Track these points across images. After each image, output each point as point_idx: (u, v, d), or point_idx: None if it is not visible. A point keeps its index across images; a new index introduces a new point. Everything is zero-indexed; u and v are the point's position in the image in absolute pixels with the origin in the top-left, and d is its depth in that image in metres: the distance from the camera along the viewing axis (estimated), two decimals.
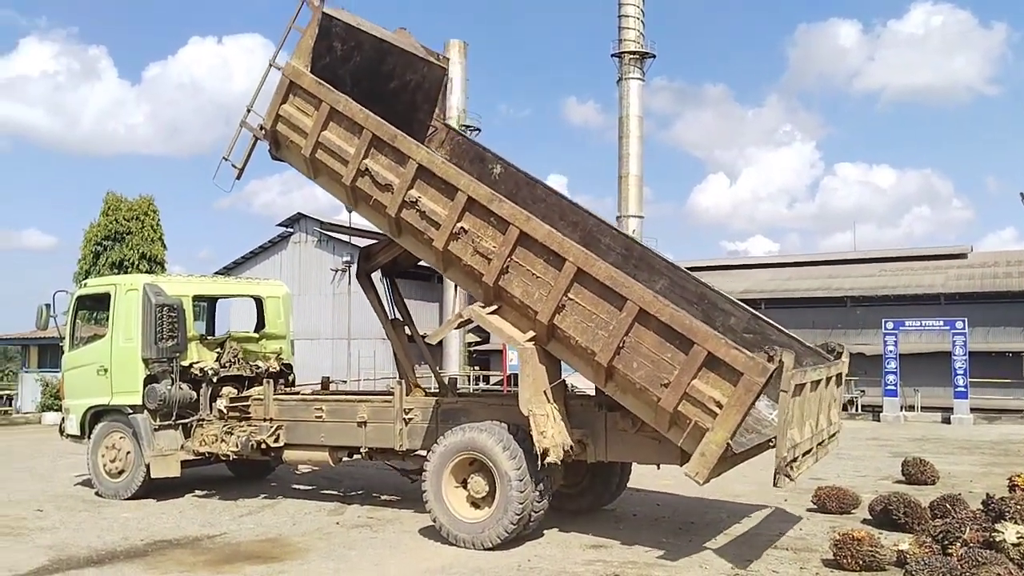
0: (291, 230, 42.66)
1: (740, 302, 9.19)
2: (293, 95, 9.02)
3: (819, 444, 7.92)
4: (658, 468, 8.90)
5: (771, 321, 8.93)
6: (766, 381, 6.56)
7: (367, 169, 8.57)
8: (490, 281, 7.94)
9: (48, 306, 11.47)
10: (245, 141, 9.66)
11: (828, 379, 8.07)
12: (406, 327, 10.41)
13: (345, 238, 39.18)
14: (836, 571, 6.94)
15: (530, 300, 7.74)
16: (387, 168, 8.49)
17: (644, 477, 10.34)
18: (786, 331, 8.75)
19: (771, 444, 7.98)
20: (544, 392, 7.77)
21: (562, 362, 8.03)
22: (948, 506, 8.35)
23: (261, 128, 9.35)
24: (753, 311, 9.06)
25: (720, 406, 6.70)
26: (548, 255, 7.66)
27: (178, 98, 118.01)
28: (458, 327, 8.32)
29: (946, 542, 6.90)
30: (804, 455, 7.42)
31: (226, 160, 9.68)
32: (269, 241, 41.20)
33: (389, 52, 9.99)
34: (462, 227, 8.07)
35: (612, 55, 43.54)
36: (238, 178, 9.75)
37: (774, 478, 6.70)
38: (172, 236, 28.94)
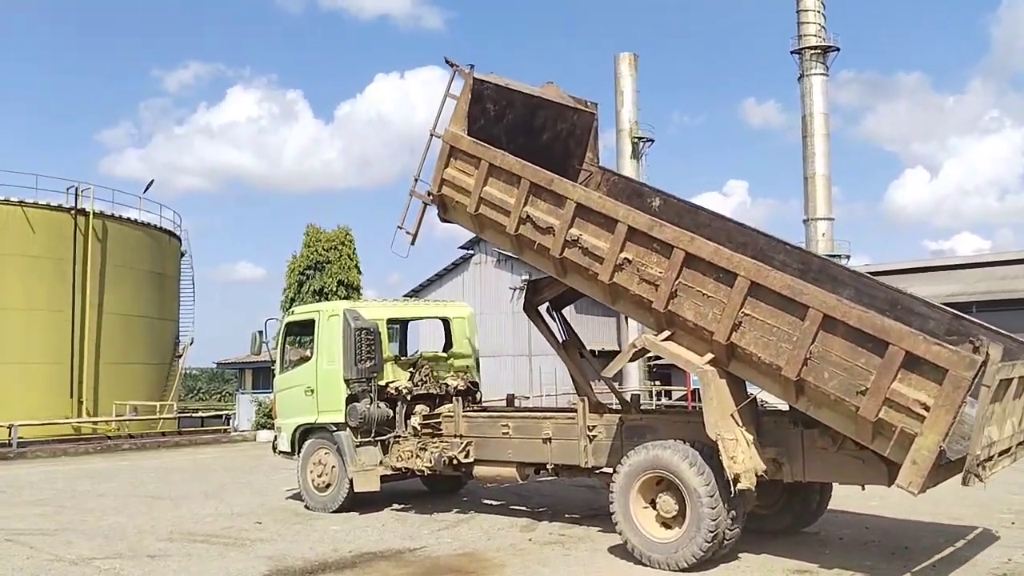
0: (471, 252, 44.06)
1: (941, 305, 8.49)
2: (454, 159, 9.57)
3: (1019, 444, 7.30)
4: (863, 489, 8.33)
5: (976, 320, 8.19)
6: (975, 376, 6.05)
7: (528, 216, 8.87)
8: (660, 307, 7.85)
9: (260, 333, 12.50)
10: (416, 208, 10.28)
11: None
12: (579, 350, 10.57)
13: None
14: None
15: (704, 321, 7.56)
16: (547, 212, 8.74)
17: (849, 498, 9.71)
18: (993, 328, 7.97)
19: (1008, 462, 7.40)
20: (732, 415, 7.49)
21: (747, 381, 7.72)
22: None
23: (429, 194, 9.93)
24: (955, 312, 8.35)
25: (927, 408, 6.24)
26: (717, 272, 7.51)
27: (367, 133, 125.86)
28: (633, 359, 8.27)
29: None
30: (1001, 455, 6.88)
31: (400, 228, 10.36)
32: (452, 263, 42.76)
33: (539, 106, 10.50)
34: (625, 258, 8.09)
35: (792, 52, 41.88)
36: (412, 243, 10.39)
37: (964, 477, 6.19)
38: (365, 263, 30.68)
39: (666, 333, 7.96)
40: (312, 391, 11.49)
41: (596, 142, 11.22)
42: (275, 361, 12.48)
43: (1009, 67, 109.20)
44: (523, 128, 10.33)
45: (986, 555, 7.95)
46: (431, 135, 9.83)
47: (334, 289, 29.28)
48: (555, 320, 10.67)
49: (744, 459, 7.28)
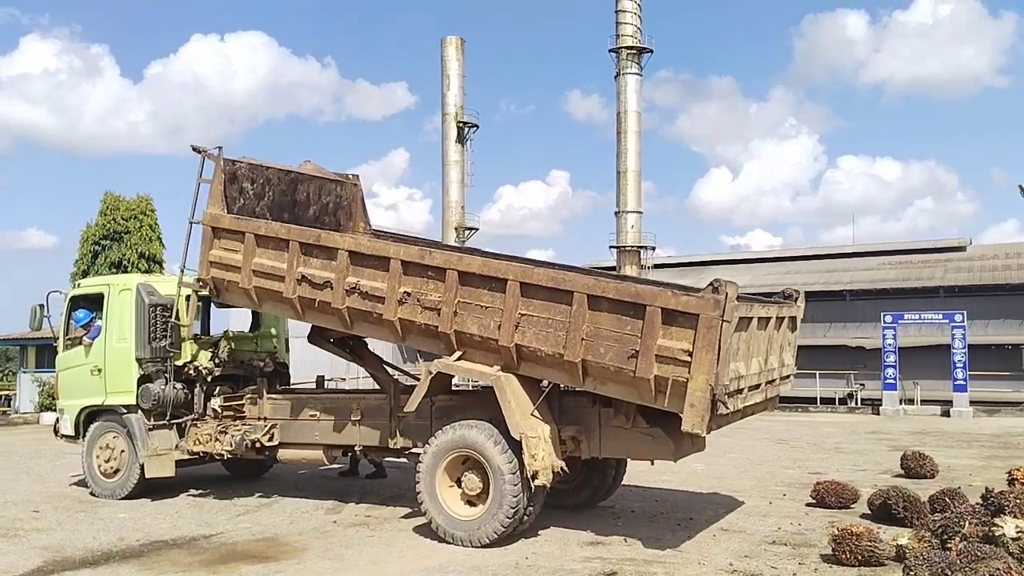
0: None
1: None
2: (218, 239, 9.62)
3: (769, 383, 8.19)
4: (652, 464, 8.86)
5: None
6: (722, 314, 6.71)
7: (303, 276, 8.95)
8: (447, 330, 8.11)
9: (42, 306, 11.43)
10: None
11: (780, 319, 8.37)
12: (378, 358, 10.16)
13: None
14: (835, 567, 6.89)
15: (488, 332, 7.90)
16: (321, 268, 8.86)
17: (643, 474, 10.31)
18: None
19: (769, 405, 8.61)
20: (532, 414, 7.81)
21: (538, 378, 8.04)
22: (947, 500, 8.30)
23: (198, 280, 9.86)
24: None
25: (691, 354, 6.84)
26: (489, 283, 7.90)
27: (180, 97, 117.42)
28: (429, 388, 8.39)
29: (945, 537, 6.84)
30: (752, 391, 7.69)
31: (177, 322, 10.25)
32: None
33: (299, 181, 10.76)
34: (405, 291, 8.32)
35: (610, 50, 43.52)
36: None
37: (713, 403, 6.77)
38: (171, 235, 28.75)
39: (457, 353, 8.19)
40: (100, 371, 10.65)
41: (365, 212, 11.68)
42: (58, 338, 11.46)
43: (808, 78, 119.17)
44: (287, 204, 10.49)
45: (759, 524, 8.69)
46: (190, 223, 9.88)
47: (134, 261, 27.40)
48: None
49: (544, 456, 7.59)
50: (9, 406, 25.81)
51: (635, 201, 41.98)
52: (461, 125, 40.75)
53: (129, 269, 25.80)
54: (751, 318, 7.55)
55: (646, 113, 42.83)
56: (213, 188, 9.71)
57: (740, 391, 7.38)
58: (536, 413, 7.84)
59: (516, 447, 7.74)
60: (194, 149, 9.65)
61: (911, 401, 23.83)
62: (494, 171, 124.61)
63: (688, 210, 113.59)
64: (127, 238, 28.00)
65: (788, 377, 8.94)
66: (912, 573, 5.64)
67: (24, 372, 30.71)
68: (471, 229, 41.37)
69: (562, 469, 7.77)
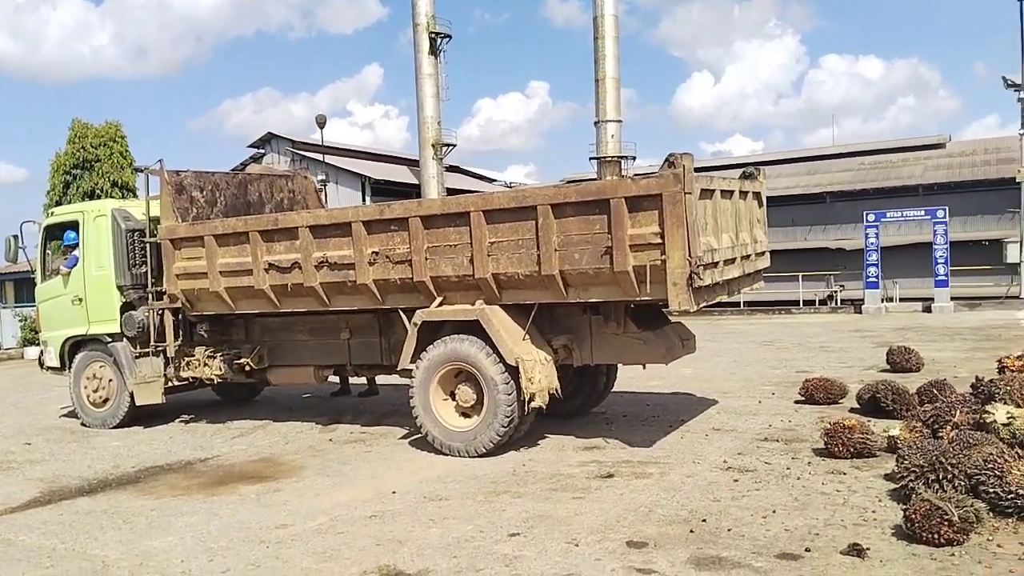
0: (263, 151, 41.74)
1: None
2: (178, 250, 9.57)
3: (744, 258, 8.32)
4: (644, 368, 8.90)
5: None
6: (683, 187, 6.75)
7: (270, 264, 8.89)
8: (423, 277, 8.03)
9: (16, 237, 11.15)
10: None
11: (744, 193, 8.45)
12: None
13: (319, 157, 38.46)
14: (828, 459, 6.99)
15: (463, 270, 7.85)
16: (286, 251, 8.81)
17: (633, 380, 10.38)
18: None
19: (750, 281, 8.78)
20: (524, 339, 7.78)
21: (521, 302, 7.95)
22: (935, 391, 8.41)
23: (172, 298, 9.74)
24: None
25: (661, 236, 6.87)
26: (453, 220, 7.85)
27: (143, 16, 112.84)
28: (418, 338, 8.27)
29: (936, 426, 6.95)
30: (727, 264, 7.77)
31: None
32: (241, 164, 40.31)
33: (248, 182, 10.97)
34: (373, 252, 8.24)
35: None
36: None
37: (689, 276, 6.82)
38: (145, 160, 27.95)
39: (438, 300, 8.11)
40: (81, 300, 10.47)
41: (320, 201, 11.95)
42: (36, 269, 11.22)
43: None
44: (241, 206, 10.50)
45: (750, 423, 8.80)
46: (146, 243, 9.95)
47: (107, 190, 26.76)
48: None
49: (540, 379, 7.59)
50: None
51: (614, 110, 41.17)
52: (433, 36, 39.38)
53: (103, 198, 25.24)
54: (713, 190, 7.61)
55: (628, 17, 41.76)
56: (162, 202, 9.73)
57: (715, 264, 7.46)
58: (527, 337, 7.81)
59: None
60: (135, 170, 9.65)
61: (891, 299, 24.11)
62: (471, 84, 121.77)
63: (671, 117, 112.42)
64: (98, 167, 27.29)
65: (763, 254, 9.06)
66: (906, 462, 5.71)
67: (4, 308, 30.35)
68: (448, 145, 40.54)
69: (559, 391, 7.79)
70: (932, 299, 22.55)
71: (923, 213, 23.90)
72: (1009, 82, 24.71)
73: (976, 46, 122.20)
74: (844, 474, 6.55)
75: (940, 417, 7.03)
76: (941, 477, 5.48)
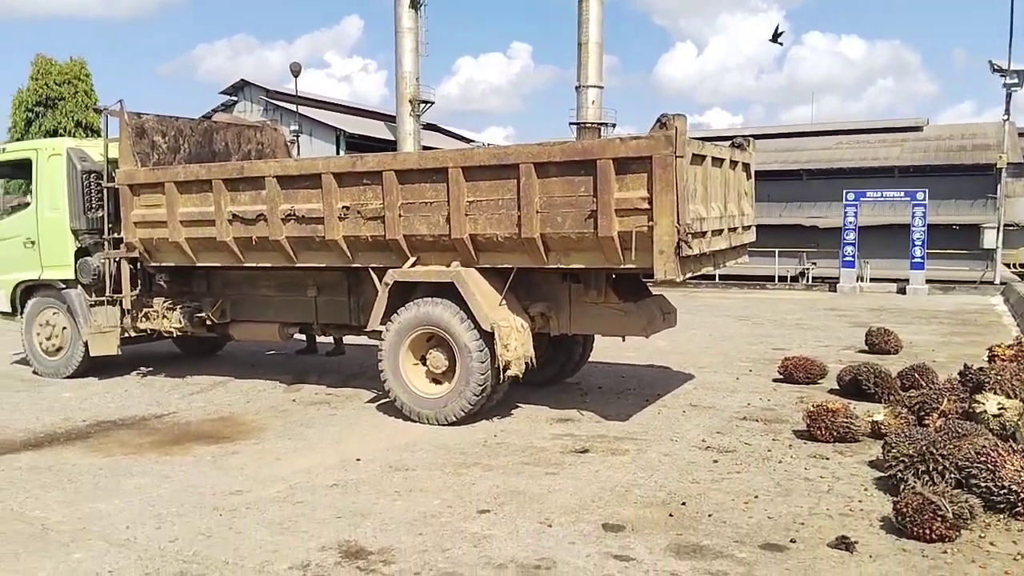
0: (235, 99, 40.62)
1: None
2: (137, 196, 9.07)
3: (731, 230, 8.05)
4: (623, 340, 8.62)
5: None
6: (674, 149, 6.42)
7: (234, 215, 8.44)
8: (396, 235, 7.62)
9: None
10: None
11: (734, 163, 8.15)
12: None
13: (292, 107, 37.47)
14: (809, 443, 6.77)
15: (438, 229, 7.44)
16: (251, 201, 8.37)
17: (607, 350, 10.11)
18: None
19: (736, 254, 8.57)
20: (500, 304, 7.43)
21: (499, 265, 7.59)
22: (916, 376, 8.23)
23: (129, 247, 9.30)
24: None
25: (649, 200, 6.54)
26: (430, 176, 7.44)
27: None
28: (389, 299, 7.87)
29: (922, 413, 6.75)
30: (715, 235, 7.50)
31: None
32: (211, 111, 39.18)
33: (214, 130, 10.38)
34: (343, 206, 7.82)
35: None
36: None
37: (677, 244, 6.51)
38: (109, 102, 27.06)
39: (411, 260, 7.71)
40: (33, 243, 9.92)
41: (290, 155, 11.45)
42: None
43: None
44: (206, 155, 9.97)
45: (728, 400, 8.57)
46: (104, 188, 9.33)
47: (71, 130, 25.94)
48: None
49: (516, 346, 7.25)
50: None
51: (596, 75, 40.55)
52: (411, 3, 38.48)
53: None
54: (704, 156, 7.28)
55: None
56: (122, 145, 9.18)
57: (704, 233, 7.16)
58: (504, 303, 7.46)
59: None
60: (95, 111, 8.99)
61: (862, 279, 24.08)
62: (453, 42, 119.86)
63: (652, 86, 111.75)
64: (61, 105, 26.43)
65: (750, 228, 8.79)
66: (894, 451, 5.48)
67: None
68: (426, 103, 39.66)
69: (533, 360, 7.46)
70: (905, 280, 22.53)
71: (902, 194, 23.79)
72: (995, 66, 24.55)
73: (957, 32, 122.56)
74: (827, 459, 6.33)
75: (926, 404, 6.83)
76: (931, 468, 5.26)
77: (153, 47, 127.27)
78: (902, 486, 5.19)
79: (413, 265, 7.74)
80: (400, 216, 7.59)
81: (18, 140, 25.11)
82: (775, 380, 9.50)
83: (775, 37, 31.89)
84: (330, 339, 10.62)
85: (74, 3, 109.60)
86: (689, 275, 7.07)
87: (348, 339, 10.27)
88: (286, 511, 5.36)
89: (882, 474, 5.69)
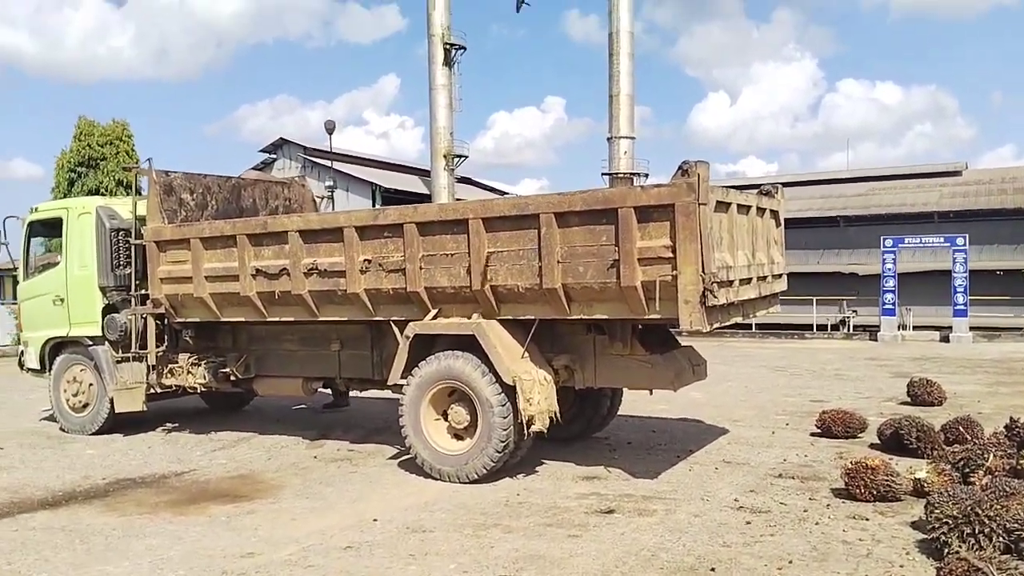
0: (274, 156, 41.48)
1: None
2: (163, 252, 9.17)
3: (761, 279, 7.80)
4: (650, 394, 8.37)
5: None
6: (697, 197, 6.23)
7: (258, 270, 8.45)
8: (417, 288, 7.52)
9: None
10: None
11: (761, 210, 7.99)
12: None
13: (329, 163, 38.11)
14: (848, 502, 6.42)
15: (459, 281, 7.33)
16: (275, 256, 8.38)
17: (638, 403, 9.83)
18: None
19: (766, 304, 8.28)
20: (523, 357, 7.25)
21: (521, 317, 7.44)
22: (961, 429, 7.87)
23: (155, 303, 9.34)
24: None
25: (673, 249, 6.34)
26: (450, 228, 7.36)
27: (164, 20, 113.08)
28: (410, 352, 7.76)
29: (967, 470, 6.39)
30: (743, 284, 7.29)
31: None
32: (252, 168, 40.02)
33: (242, 187, 10.50)
34: (365, 259, 7.79)
35: None
36: None
37: (702, 295, 6.29)
38: (158, 163, 27.61)
39: (433, 312, 7.60)
40: (62, 300, 10.01)
41: (318, 209, 11.58)
42: (19, 267, 10.80)
43: (812, 1, 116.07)
44: (233, 212, 10.06)
45: (764, 456, 8.23)
46: (131, 245, 9.52)
47: (112, 190, 26.59)
48: None
49: (539, 400, 7.06)
50: None
51: (628, 126, 40.74)
52: (448, 47, 39.08)
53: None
54: (729, 203, 7.10)
55: (646, 35, 41.34)
56: (149, 203, 9.33)
57: (730, 282, 6.92)
58: (526, 355, 7.28)
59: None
60: (124, 169, 9.17)
61: (904, 327, 23.47)
62: (488, 98, 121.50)
63: (686, 136, 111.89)
64: (103, 165, 27.12)
65: (781, 276, 8.54)
66: (937, 511, 5.15)
67: (1, 304, 30.02)
68: (460, 157, 40.12)
69: (558, 415, 7.25)
70: (948, 328, 21.91)
71: (942, 240, 23.29)
72: None
73: (995, 74, 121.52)
74: (867, 520, 5.98)
75: (971, 460, 6.47)
76: (977, 531, 4.92)
77: (199, 108, 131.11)
78: (946, 550, 4.86)
79: (435, 317, 7.62)
80: (421, 268, 7.50)
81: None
82: (812, 434, 9.14)
83: (518, 6, 33.26)
84: (365, 392, 10.46)
85: (123, 66, 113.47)
86: (716, 325, 6.83)
87: (374, 393, 10.13)
88: (295, 575, 5.17)
89: (925, 536, 5.34)
